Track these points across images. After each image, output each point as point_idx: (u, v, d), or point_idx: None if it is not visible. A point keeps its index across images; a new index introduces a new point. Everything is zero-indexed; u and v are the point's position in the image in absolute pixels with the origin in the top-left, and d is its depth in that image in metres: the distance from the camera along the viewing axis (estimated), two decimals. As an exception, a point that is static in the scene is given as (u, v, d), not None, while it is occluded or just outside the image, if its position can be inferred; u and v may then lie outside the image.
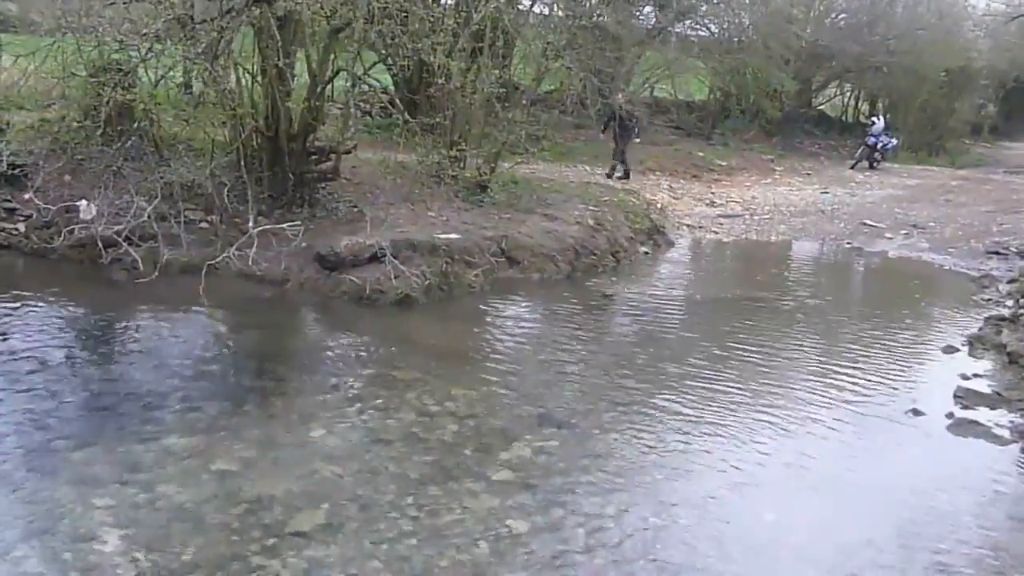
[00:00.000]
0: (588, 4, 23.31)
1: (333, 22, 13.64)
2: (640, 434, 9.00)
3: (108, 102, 13.36)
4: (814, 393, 10.44)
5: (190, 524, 6.82)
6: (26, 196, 13.84)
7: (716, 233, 20.07)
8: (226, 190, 13.75)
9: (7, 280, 12.58)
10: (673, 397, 9.97)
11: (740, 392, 10.26)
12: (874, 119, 33.62)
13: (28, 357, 9.81)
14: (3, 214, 13.85)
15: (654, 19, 29.81)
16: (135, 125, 14.22)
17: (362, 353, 11.06)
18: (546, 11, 23.18)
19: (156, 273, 12.41)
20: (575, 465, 8.30)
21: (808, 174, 29.68)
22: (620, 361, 11.26)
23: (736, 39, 32.16)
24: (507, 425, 9.00)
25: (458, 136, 16.64)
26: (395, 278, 12.57)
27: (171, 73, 14.89)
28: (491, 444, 8.55)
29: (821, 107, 40.54)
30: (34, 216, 13.66)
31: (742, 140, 32.69)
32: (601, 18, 23.09)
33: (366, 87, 15.51)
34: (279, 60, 13.36)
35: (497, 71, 17.71)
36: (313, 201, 14.55)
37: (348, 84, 14.67)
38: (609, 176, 22.98)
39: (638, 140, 24.40)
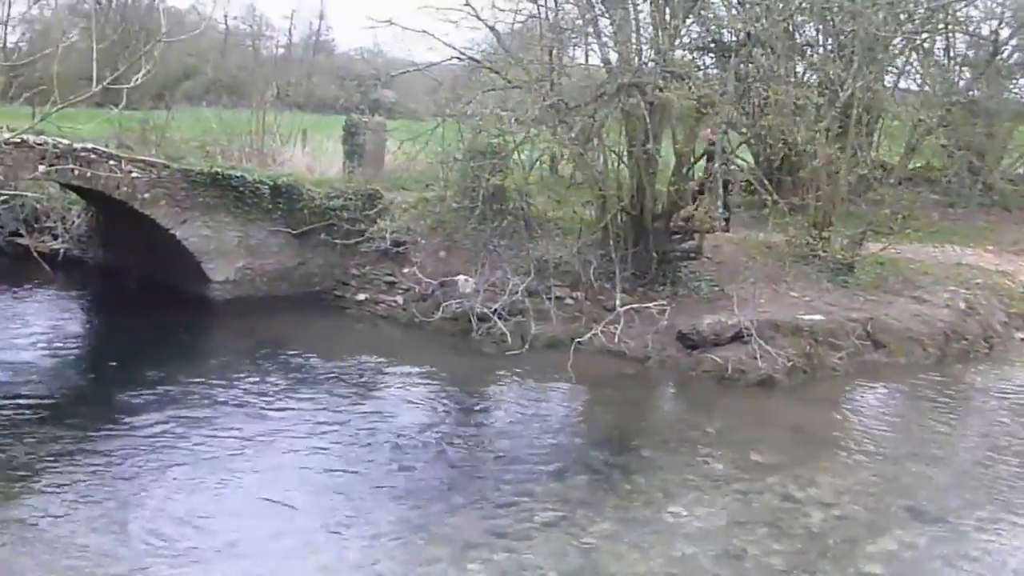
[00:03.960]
0: (960, 80, 22.43)
1: (701, 103, 13.78)
2: (1020, 535, 8.47)
3: (485, 184, 14.18)
4: None
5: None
6: (405, 270, 14.84)
7: (1103, 318, 18.54)
8: (592, 268, 14.19)
9: (386, 349, 13.51)
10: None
11: None
12: None
13: (402, 423, 10.52)
14: (384, 287, 14.95)
15: (1030, 91, 28.20)
16: (509, 205, 14.98)
17: (723, 433, 11.01)
18: (913, 87, 22.46)
19: (525, 347, 12.93)
20: (947, 564, 7.92)
21: None
22: (997, 454, 10.61)
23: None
24: (874, 517, 8.71)
25: (824, 215, 16.34)
26: (758, 358, 12.48)
27: (543, 156, 15.59)
28: (857, 536, 8.30)
29: None
30: (415, 290, 14.59)
31: None
32: (973, 93, 22.12)
33: (732, 167, 15.55)
34: (648, 142, 13.67)
35: (864, 149, 17.27)
36: (675, 279, 14.72)
37: (714, 164, 14.79)
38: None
39: None
